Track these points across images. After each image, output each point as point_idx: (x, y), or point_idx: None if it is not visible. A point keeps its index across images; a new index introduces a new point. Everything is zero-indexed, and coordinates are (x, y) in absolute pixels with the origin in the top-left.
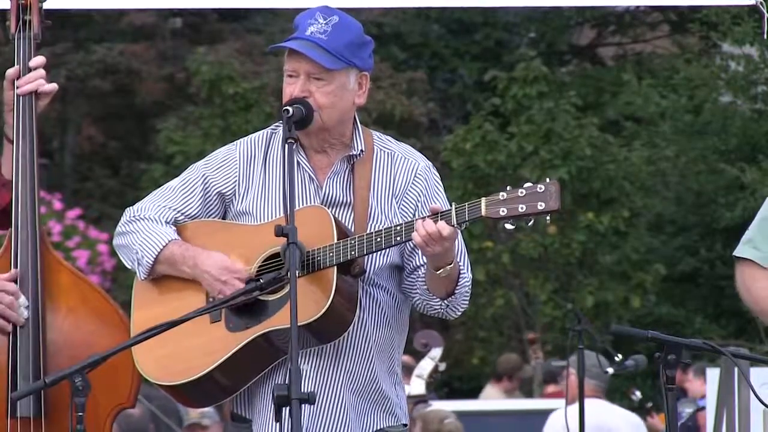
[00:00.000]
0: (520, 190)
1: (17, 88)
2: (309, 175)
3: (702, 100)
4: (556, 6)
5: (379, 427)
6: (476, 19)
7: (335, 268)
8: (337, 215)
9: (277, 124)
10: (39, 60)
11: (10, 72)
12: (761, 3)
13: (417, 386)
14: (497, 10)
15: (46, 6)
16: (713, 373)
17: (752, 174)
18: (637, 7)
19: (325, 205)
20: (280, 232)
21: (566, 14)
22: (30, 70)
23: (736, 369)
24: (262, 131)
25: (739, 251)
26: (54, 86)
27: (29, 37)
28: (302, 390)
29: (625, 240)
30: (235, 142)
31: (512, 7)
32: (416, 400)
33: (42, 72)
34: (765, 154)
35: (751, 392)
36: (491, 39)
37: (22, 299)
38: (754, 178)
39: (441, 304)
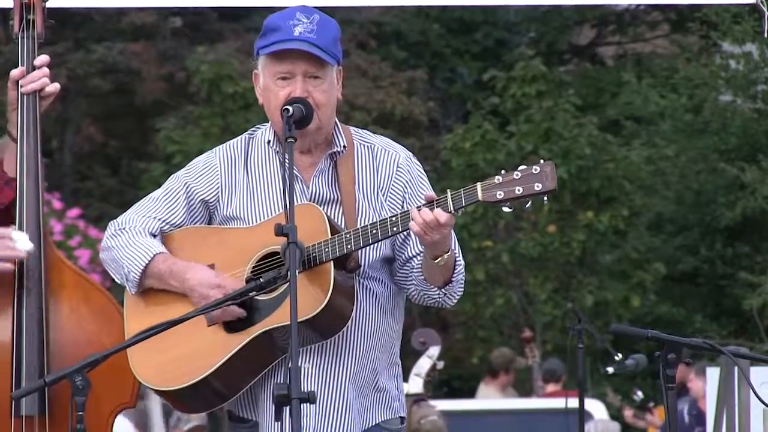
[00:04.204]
0: (515, 173)
1: (21, 87)
2: (294, 174)
3: (702, 99)
4: (556, 5)
5: (377, 421)
6: (476, 19)
7: (332, 263)
8: (326, 213)
9: (253, 129)
10: (43, 59)
11: (15, 72)
12: (761, 2)
13: (415, 385)
14: (497, 9)
15: (48, 5)
16: (713, 373)
17: (752, 173)
18: (637, 6)
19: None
20: (280, 231)
21: (566, 14)
22: (34, 69)
23: (736, 368)
24: (239, 137)
25: None
26: (57, 87)
27: (33, 36)
28: (303, 389)
29: (625, 239)
30: (213, 150)
31: (512, 6)
32: (414, 399)
33: (46, 71)
34: (765, 154)
35: (751, 391)
36: (491, 38)
37: (17, 233)
38: (754, 178)
39: (439, 293)
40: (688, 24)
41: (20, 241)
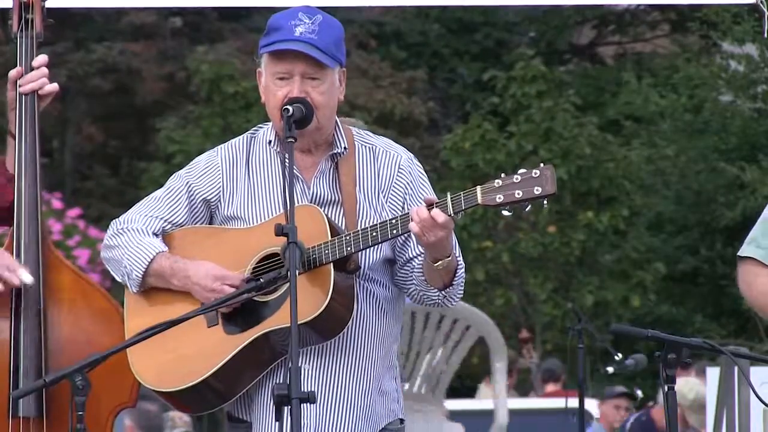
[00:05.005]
0: (515, 177)
1: (20, 86)
2: (295, 175)
3: (702, 99)
4: (556, 5)
5: (383, 425)
6: (476, 19)
7: (332, 264)
8: (326, 214)
9: (255, 128)
10: (42, 59)
11: (13, 73)
12: (761, 2)
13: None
14: (497, 9)
15: (47, 5)
16: (713, 373)
17: (752, 173)
18: (637, 6)
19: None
20: (280, 231)
21: (566, 13)
22: (32, 69)
23: (736, 368)
24: (241, 136)
25: (742, 251)
26: (55, 87)
27: (31, 36)
28: (303, 389)
29: (625, 239)
30: (215, 149)
31: (512, 6)
32: None
33: (45, 71)
34: (765, 153)
35: (751, 391)
36: (491, 38)
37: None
38: (754, 177)
39: (439, 295)
40: (688, 24)
41: (24, 274)
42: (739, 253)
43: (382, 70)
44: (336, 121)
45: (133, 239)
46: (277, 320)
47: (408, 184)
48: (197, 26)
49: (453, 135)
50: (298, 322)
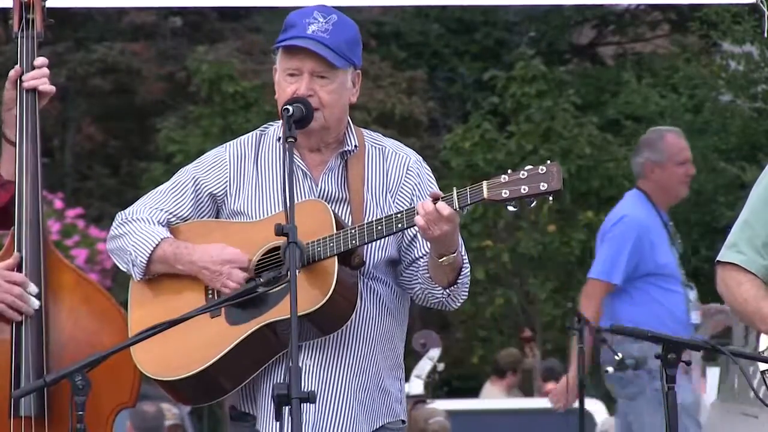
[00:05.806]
0: (521, 173)
1: (23, 82)
2: (303, 172)
3: (702, 99)
4: (556, 5)
5: (382, 423)
6: (476, 19)
7: (336, 258)
8: (333, 210)
9: (265, 125)
10: (42, 60)
11: (13, 72)
12: (761, 1)
13: (416, 386)
14: (497, 9)
15: (47, 4)
16: (713, 372)
17: (752, 173)
18: (637, 6)
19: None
20: (279, 231)
21: (566, 13)
22: (33, 68)
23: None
24: (251, 133)
25: (723, 256)
26: (52, 89)
27: (32, 35)
28: (303, 387)
29: None
30: (223, 145)
31: (512, 6)
32: (415, 400)
33: (46, 71)
34: (765, 153)
35: (751, 391)
36: (491, 38)
37: (32, 287)
38: (755, 177)
39: (443, 293)
40: (688, 24)
41: (33, 297)
42: (719, 258)
43: (382, 70)
44: (348, 121)
45: (138, 227)
46: (279, 312)
47: (416, 185)
48: (197, 26)
49: (453, 135)
50: (300, 313)
